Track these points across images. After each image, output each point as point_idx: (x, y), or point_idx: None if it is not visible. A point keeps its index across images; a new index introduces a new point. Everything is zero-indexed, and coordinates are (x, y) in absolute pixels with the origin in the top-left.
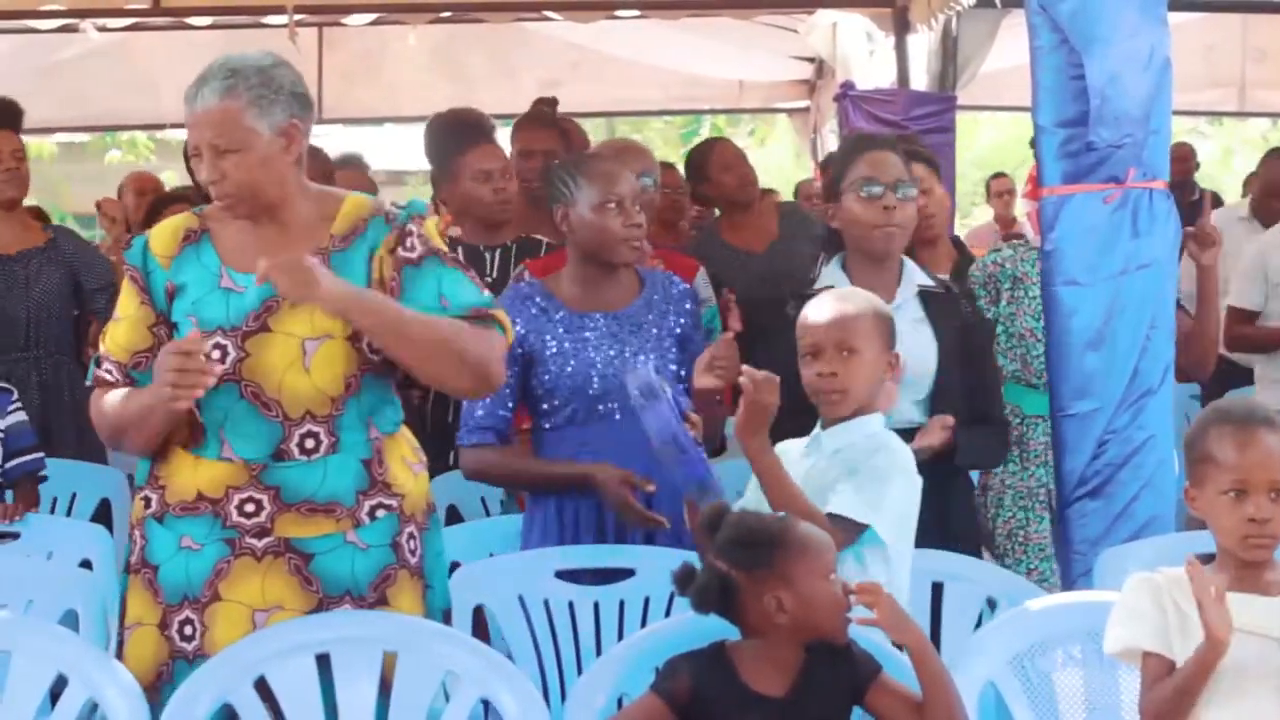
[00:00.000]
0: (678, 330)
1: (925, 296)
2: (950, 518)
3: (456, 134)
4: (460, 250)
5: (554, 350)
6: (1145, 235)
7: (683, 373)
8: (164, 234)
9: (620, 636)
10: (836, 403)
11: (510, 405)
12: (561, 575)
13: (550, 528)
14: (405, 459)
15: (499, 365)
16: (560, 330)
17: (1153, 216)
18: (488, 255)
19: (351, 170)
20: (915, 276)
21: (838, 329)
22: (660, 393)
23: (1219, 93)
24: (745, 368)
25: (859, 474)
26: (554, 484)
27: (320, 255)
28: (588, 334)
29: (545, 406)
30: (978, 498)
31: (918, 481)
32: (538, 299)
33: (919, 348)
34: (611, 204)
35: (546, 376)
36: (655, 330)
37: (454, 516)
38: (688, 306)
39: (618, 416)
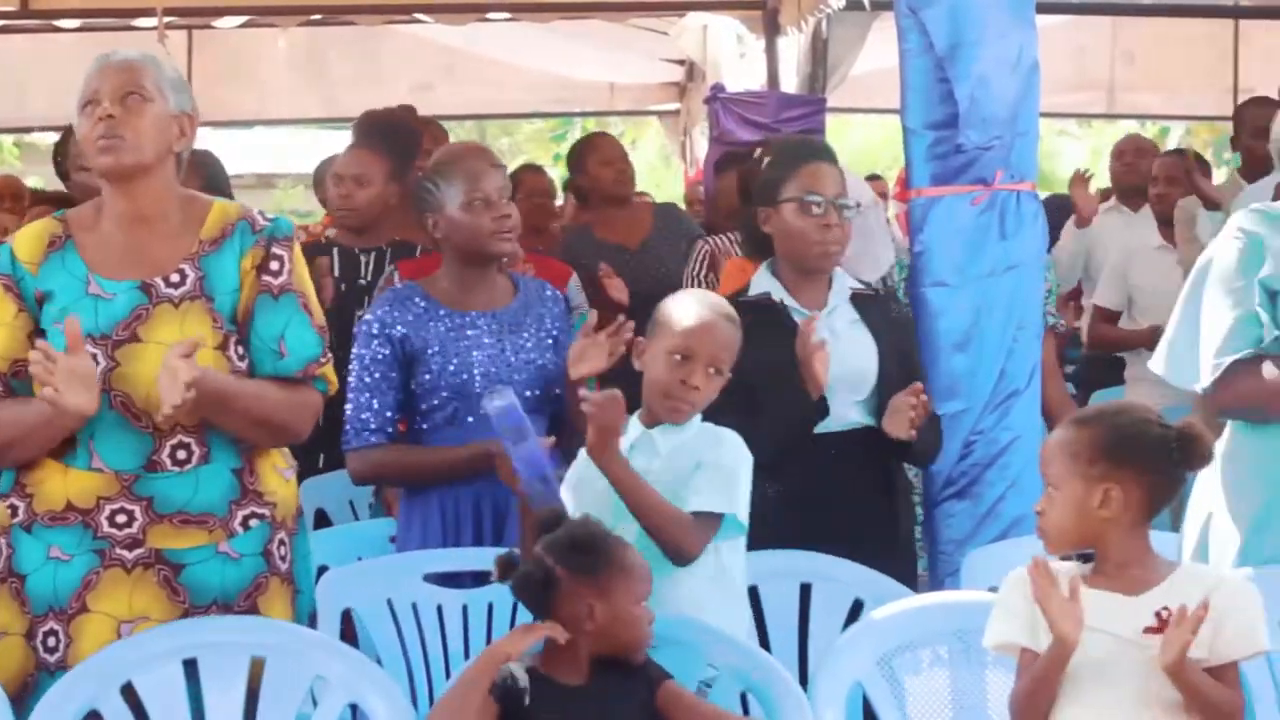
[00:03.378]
0: (555, 333)
1: (857, 299)
2: (900, 514)
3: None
4: (336, 252)
5: (435, 349)
6: (1012, 237)
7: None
8: (28, 240)
9: (489, 640)
10: (686, 414)
11: (397, 404)
12: (430, 579)
13: (431, 526)
14: (276, 466)
15: (308, 423)
16: (442, 329)
17: (1020, 218)
18: (362, 257)
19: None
20: (846, 281)
21: (715, 346)
22: (529, 432)
23: (1088, 95)
24: (582, 392)
25: (705, 465)
26: (455, 469)
27: (189, 261)
28: (470, 332)
29: (424, 406)
30: None
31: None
32: (418, 299)
33: (858, 350)
34: (478, 200)
35: (427, 376)
36: (533, 331)
37: (322, 520)
38: (559, 311)
39: None
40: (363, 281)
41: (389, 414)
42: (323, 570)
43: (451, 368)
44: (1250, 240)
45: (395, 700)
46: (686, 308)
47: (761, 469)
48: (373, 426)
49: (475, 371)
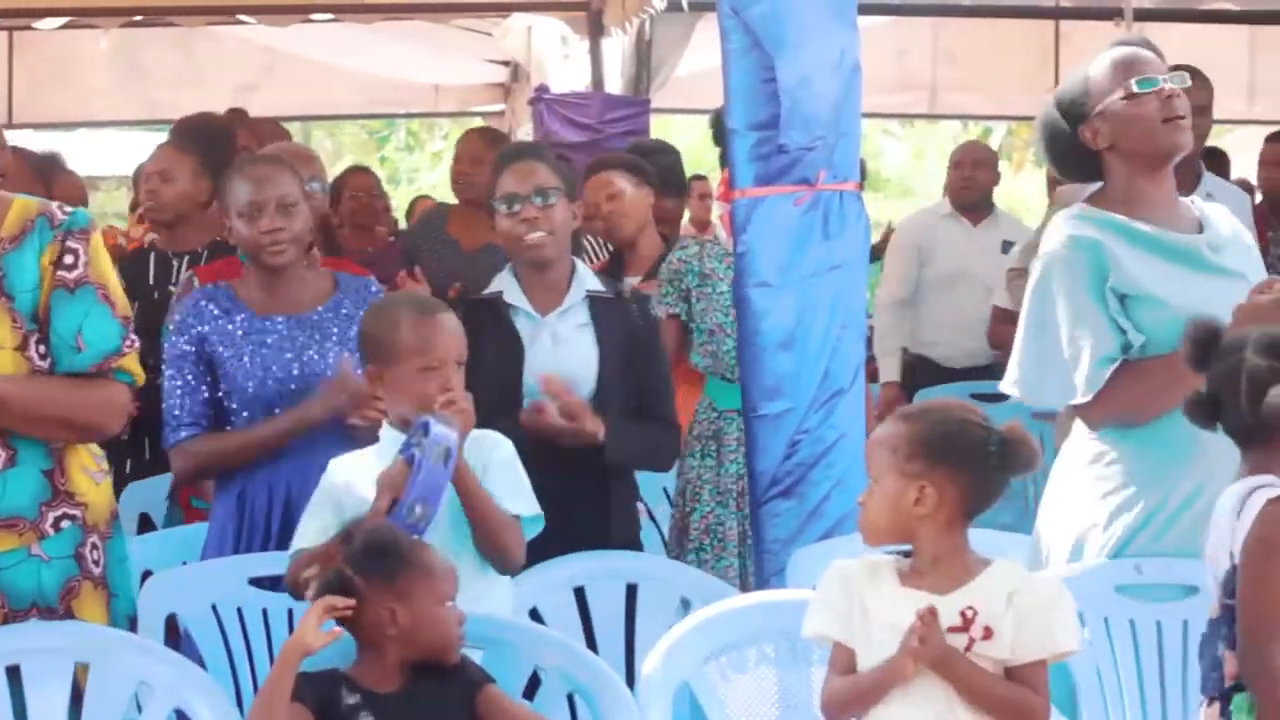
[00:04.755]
0: None
1: (593, 302)
2: (612, 521)
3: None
4: (152, 256)
5: (231, 354)
6: (836, 237)
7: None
8: None
9: None
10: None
11: (209, 399)
12: (255, 582)
13: (229, 531)
14: (86, 467)
15: (115, 419)
16: (239, 334)
17: (843, 218)
18: (175, 261)
19: (67, 174)
20: (586, 282)
21: (456, 344)
22: (454, 457)
23: (910, 95)
24: (452, 395)
25: (494, 468)
26: (278, 440)
27: None
28: (267, 338)
29: (227, 407)
30: (676, 496)
31: None
32: (220, 301)
33: (580, 353)
34: (253, 209)
35: (225, 380)
36: (338, 334)
37: (146, 525)
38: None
39: None
40: (173, 286)
41: (201, 407)
42: (147, 575)
43: (244, 373)
44: (1090, 247)
45: (220, 705)
46: (409, 320)
47: None
48: (187, 421)
49: (269, 378)
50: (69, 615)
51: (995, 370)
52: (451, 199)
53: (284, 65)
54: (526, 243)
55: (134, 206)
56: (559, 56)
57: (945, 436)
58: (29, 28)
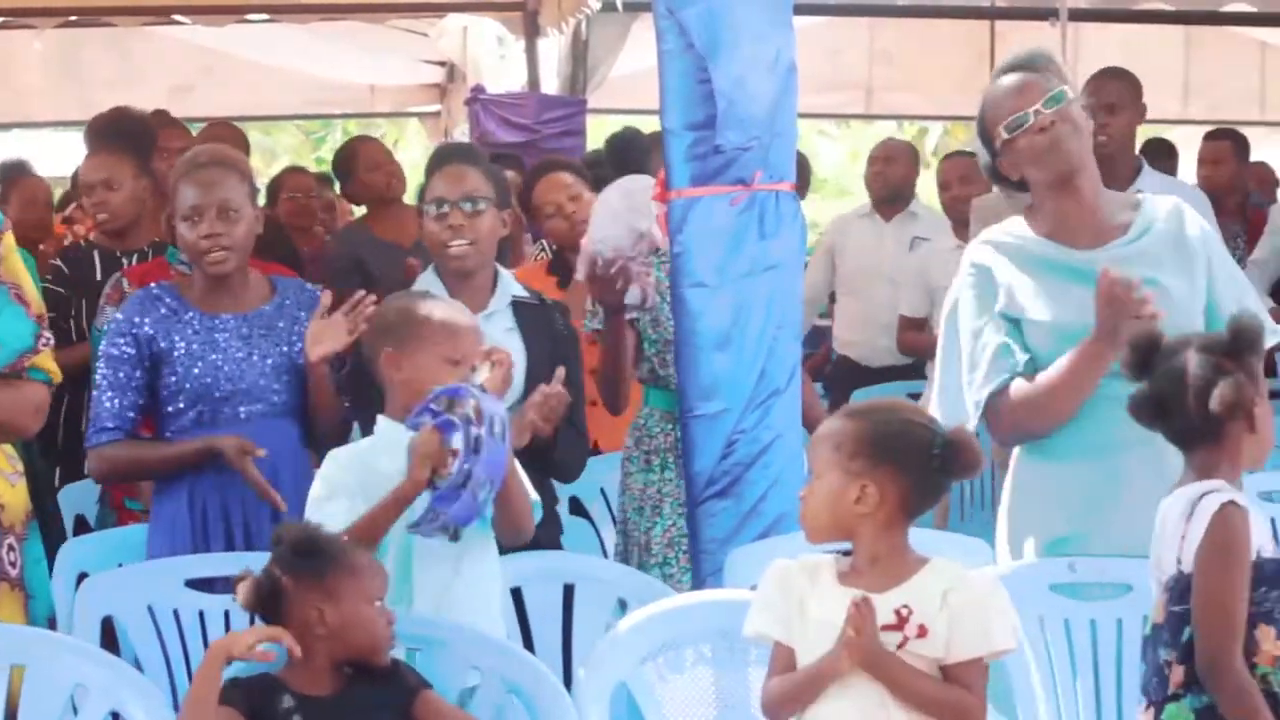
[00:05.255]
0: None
1: (518, 307)
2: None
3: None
4: (97, 254)
5: (182, 351)
6: (772, 237)
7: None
8: None
9: None
10: None
11: (139, 404)
12: (192, 584)
13: (180, 525)
14: (0, 469)
15: (32, 418)
16: (189, 331)
17: (779, 218)
18: (125, 260)
19: (31, 178)
20: (510, 288)
21: (480, 348)
22: (508, 430)
23: (846, 95)
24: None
25: None
26: (182, 462)
27: None
28: (218, 335)
29: (170, 409)
30: (630, 515)
31: None
32: (168, 300)
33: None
34: (194, 214)
35: (173, 378)
36: (287, 332)
37: (82, 527)
38: (317, 311)
39: (243, 417)
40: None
41: (130, 413)
42: (83, 577)
43: (197, 370)
44: (981, 275)
45: (157, 707)
46: (443, 312)
47: None
48: (110, 426)
49: (221, 375)
50: None
51: (911, 371)
52: None
53: (220, 66)
54: (450, 251)
55: (62, 204)
56: (495, 57)
57: (889, 436)
58: None
